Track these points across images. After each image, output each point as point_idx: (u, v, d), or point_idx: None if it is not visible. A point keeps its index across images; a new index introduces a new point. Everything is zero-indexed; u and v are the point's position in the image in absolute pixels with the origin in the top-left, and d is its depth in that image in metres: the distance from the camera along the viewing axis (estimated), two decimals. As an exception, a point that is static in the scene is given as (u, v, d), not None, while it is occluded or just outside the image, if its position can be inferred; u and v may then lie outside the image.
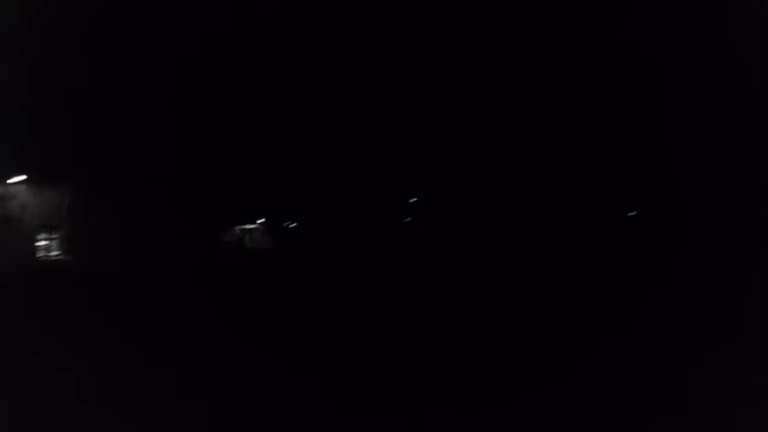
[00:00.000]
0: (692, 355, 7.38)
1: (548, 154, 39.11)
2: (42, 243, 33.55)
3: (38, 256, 32.48)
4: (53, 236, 34.29)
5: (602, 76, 34.30)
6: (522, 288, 16.54)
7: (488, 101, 39.16)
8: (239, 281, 20.96)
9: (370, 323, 11.19)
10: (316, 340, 9.44)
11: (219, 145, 39.47)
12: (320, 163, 45.13)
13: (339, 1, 35.72)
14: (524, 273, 20.17)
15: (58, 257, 32.96)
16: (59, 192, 34.79)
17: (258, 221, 47.61)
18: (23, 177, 32.04)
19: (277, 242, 44.45)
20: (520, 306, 12.79)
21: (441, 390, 6.32)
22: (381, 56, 38.48)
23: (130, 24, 32.12)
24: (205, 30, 33.42)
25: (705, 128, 29.40)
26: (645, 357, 7.36)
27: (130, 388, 6.53)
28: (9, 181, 31.54)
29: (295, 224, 52.59)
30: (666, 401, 5.70)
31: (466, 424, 5.32)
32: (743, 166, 27.82)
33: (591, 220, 37.59)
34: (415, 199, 51.14)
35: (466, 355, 7.84)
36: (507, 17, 35.32)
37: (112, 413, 5.80)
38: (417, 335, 9.65)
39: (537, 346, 8.29)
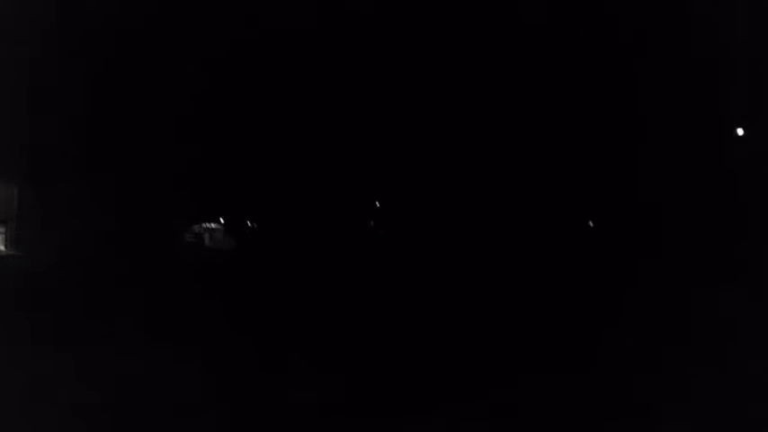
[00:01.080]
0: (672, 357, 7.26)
1: (520, 157, 39.06)
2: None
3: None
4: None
5: (585, 77, 34.40)
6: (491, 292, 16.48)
7: (454, 104, 39.22)
8: (196, 282, 20.25)
9: (334, 327, 10.84)
10: (280, 345, 9.03)
11: (176, 140, 38.34)
12: (284, 163, 44.44)
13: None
14: (494, 277, 20.15)
15: (4, 252, 31.44)
16: (7, 185, 33.34)
17: (219, 221, 46.48)
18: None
19: (239, 243, 43.46)
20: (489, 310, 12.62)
21: (409, 396, 5.96)
22: (345, 55, 38.08)
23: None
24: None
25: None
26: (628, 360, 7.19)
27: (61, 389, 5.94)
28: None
29: (256, 225, 51.59)
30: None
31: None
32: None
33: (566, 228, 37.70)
34: (379, 204, 50.93)
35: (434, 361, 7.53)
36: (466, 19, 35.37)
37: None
38: (383, 340, 9.37)
39: (509, 352, 8.02)
